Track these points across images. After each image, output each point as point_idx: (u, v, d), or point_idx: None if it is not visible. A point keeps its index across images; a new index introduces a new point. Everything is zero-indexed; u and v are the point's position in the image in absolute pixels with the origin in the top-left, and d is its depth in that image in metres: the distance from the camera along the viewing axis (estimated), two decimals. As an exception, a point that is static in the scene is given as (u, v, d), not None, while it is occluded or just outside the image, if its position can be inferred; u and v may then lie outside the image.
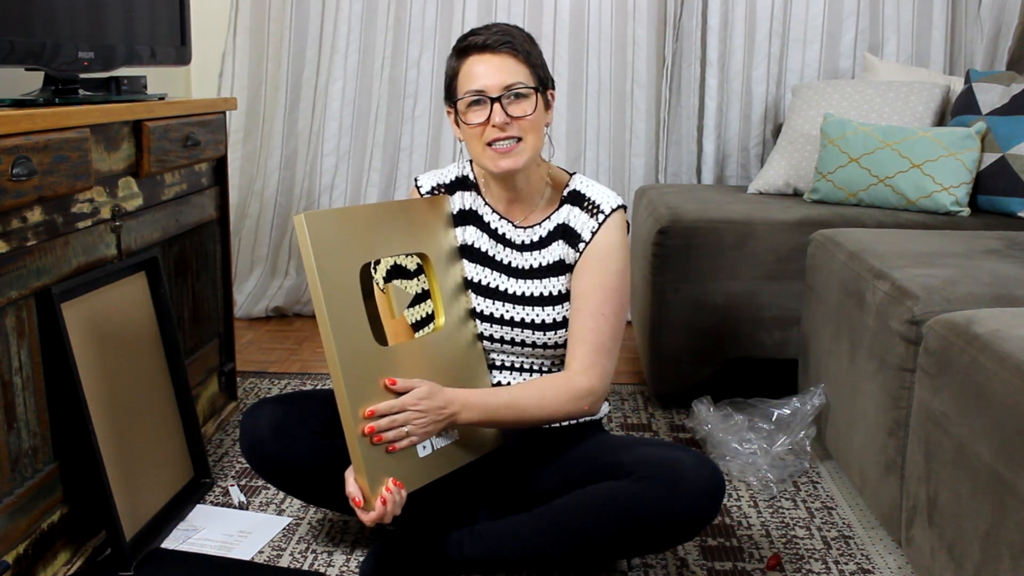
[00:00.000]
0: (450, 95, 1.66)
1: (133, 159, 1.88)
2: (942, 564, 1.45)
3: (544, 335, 1.69)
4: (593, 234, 1.67)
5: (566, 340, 1.69)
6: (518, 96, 1.60)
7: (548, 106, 1.68)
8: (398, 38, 3.33)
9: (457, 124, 1.66)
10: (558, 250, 1.70)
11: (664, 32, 3.27)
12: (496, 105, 1.59)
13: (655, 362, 2.53)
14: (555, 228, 1.71)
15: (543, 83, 1.65)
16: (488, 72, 1.59)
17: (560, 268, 1.70)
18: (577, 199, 1.71)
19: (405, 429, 1.51)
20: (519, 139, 1.61)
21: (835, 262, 2.06)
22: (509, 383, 1.73)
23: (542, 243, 1.72)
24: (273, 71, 3.37)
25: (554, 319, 1.68)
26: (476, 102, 1.60)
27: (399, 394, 1.52)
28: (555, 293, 1.69)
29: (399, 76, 3.35)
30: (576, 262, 1.68)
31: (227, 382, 2.45)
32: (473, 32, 1.64)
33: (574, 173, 1.76)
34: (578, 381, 1.63)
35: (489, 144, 1.61)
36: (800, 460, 2.11)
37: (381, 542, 1.67)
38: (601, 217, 1.67)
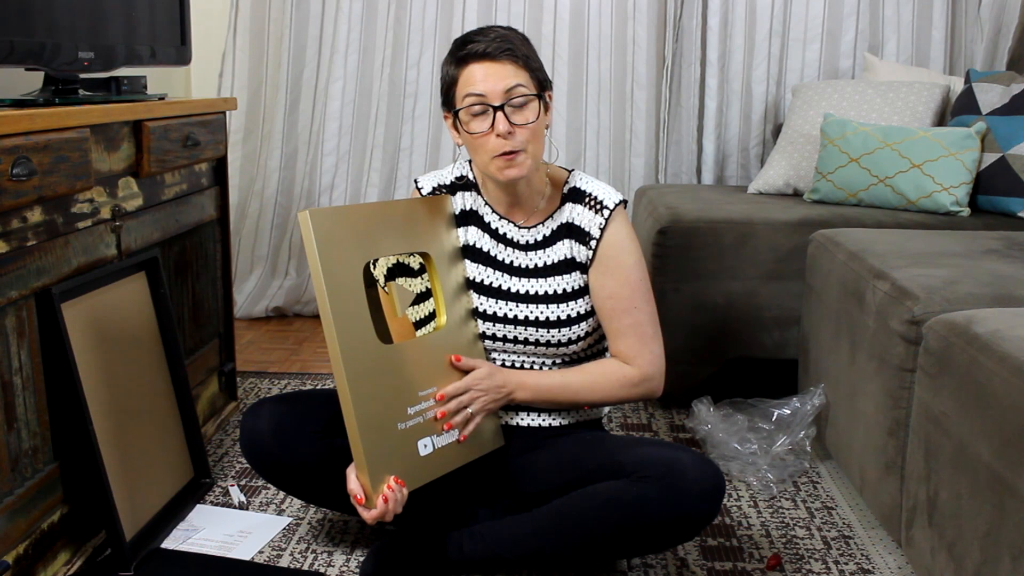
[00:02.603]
0: (448, 102, 1.65)
1: (133, 159, 1.88)
2: (942, 564, 1.45)
3: (549, 332, 1.69)
4: (602, 230, 1.67)
5: (571, 338, 1.70)
6: (520, 104, 1.59)
7: (547, 108, 1.68)
8: (398, 38, 3.33)
9: (456, 129, 1.66)
10: (564, 248, 1.70)
11: (664, 32, 3.27)
12: (499, 114, 1.58)
13: (655, 362, 2.52)
14: (559, 227, 1.71)
15: (542, 86, 1.64)
16: (489, 79, 1.58)
17: (569, 266, 1.70)
18: (578, 196, 1.71)
19: (470, 409, 1.62)
20: (523, 149, 1.60)
21: (835, 262, 2.06)
22: (509, 383, 1.73)
23: (547, 242, 1.72)
24: (273, 71, 3.37)
25: (559, 317, 1.69)
26: (479, 111, 1.59)
27: (461, 372, 1.65)
28: (563, 291, 1.69)
29: (399, 76, 3.35)
30: (589, 260, 1.68)
31: (227, 382, 2.45)
32: (471, 39, 1.61)
33: (572, 170, 1.76)
34: (628, 369, 1.70)
35: (495, 156, 1.60)
36: (800, 460, 2.11)
37: (381, 542, 1.67)
38: (607, 212, 1.68)
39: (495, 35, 1.60)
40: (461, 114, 1.61)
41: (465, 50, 1.60)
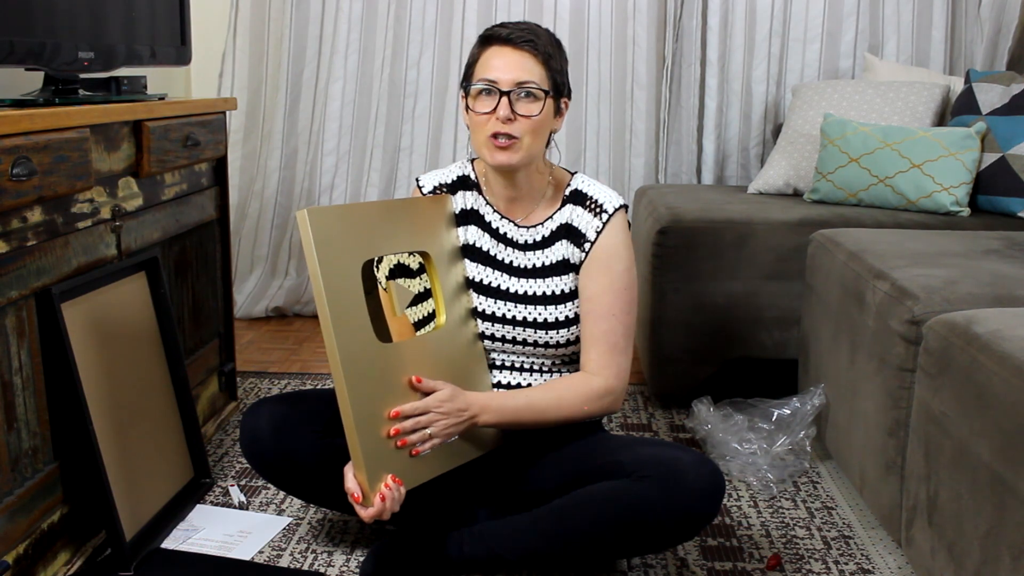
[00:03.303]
0: (466, 80, 1.67)
1: (133, 159, 1.88)
2: (942, 564, 1.45)
3: (547, 334, 1.69)
4: (598, 233, 1.67)
5: (569, 339, 1.70)
6: (528, 95, 1.60)
7: (559, 113, 1.68)
8: (398, 38, 3.33)
9: (467, 109, 1.67)
10: (562, 249, 1.70)
11: (664, 32, 3.27)
12: (504, 99, 1.59)
13: (655, 362, 2.53)
14: (558, 227, 1.71)
15: (558, 89, 1.65)
16: (504, 65, 1.60)
17: (564, 267, 1.70)
18: (579, 198, 1.71)
19: (428, 431, 1.55)
20: (518, 138, 1.61)
21: (835, 262, 2.06)
22: (509, 383, 1.73)
23: (545, 242, 1.72)
24: (273, 71, 3.37)
25: (556, 318, 1.69)
26: (486, 91, 1.61)
27: (423, 393, 1.57)
28: (559, 292, 1.69)
29: (399, 76, 3.35)
30: (582, 262, 1.68)
31: (227, 382, 2.45)
32: (501, 24, 1.65)
33: (575, 172, 1.76)
34: (595, 382, 1.66)
35: (490, 136, 1.61)
36: (800, 460, 2.11)
37: (381, 542, 1.67)
38: (605, 216, 1.68)
39: (524, 26, 1.64)
40: (471, 91, 1.63)
41: (491, 31, 1.64)
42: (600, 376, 1.67)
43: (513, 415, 1.63)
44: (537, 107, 1.61)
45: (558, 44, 1.67)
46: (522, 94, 1.60)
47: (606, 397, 1.67)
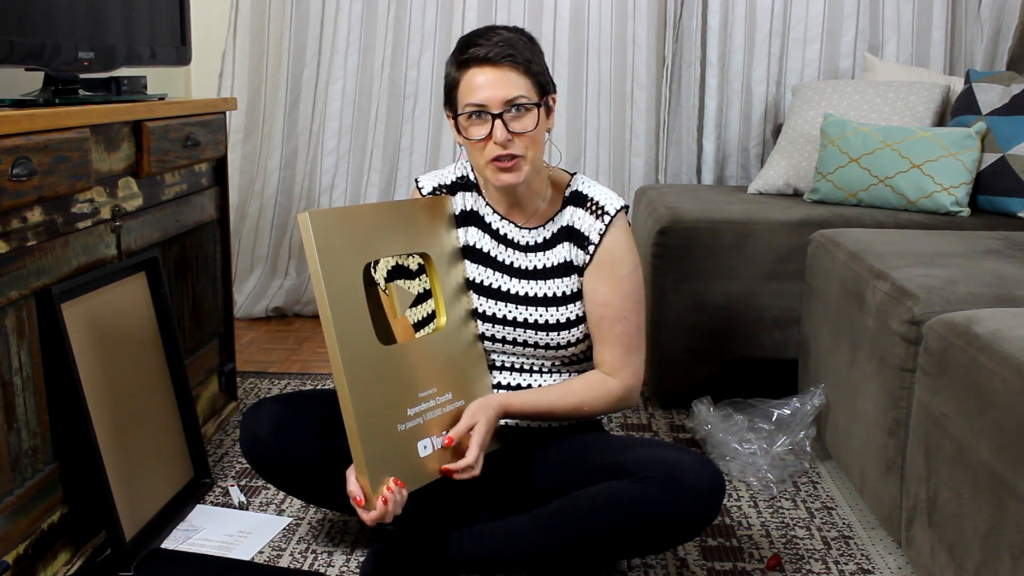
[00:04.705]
0: (450, 103, 1.64)
1: (133, 159, 1.88)
2: (942, 564, 1.45)
3: (548, 335, 1.69)
4: (601, 236, 1.67)
5: (570, 341, 1.70)
6: (520, 109, 1.58)
7: (549, 112, 1.66)
8: (398, 38, 3.33)
9: (458, 130, 1.65)
10: (564, 251, 1.70)
11: (664, 32, 3.27)
12: (498, 122, 1.57)
13: (655, 362, 2.53)
14: (560, 230, 1.71)
15: (544, 91, 1.63)
16: (489, 86, 1.56)
17: (567, 269, 1.70)
18: (580, 200, 1.71)
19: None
20: (520, 155, 1.60)
21: (835, 262, 2.06)
22: (509, 384, 1.73)
23: (547, 244, 1.72)
24: (273, 71, 3.37)
25: (557, 320, 1.69)
26: (477, 116, 1.58)
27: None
28: (561, 294, 1.69)
29: (399, 76, 3.35)
30: (586, 264, 1.68)
31: (227, 382, 2.45)
32: (473, 42, 1.59)
33: (575, 173, 1.76)
34: (612, 383, 1.69)
35: (491, 160, 1.60)
36: (800, 460, 2.11)
37: (381, 542, 1.67)
38: (607, 219, 1.67)
39: (498, 39, 1.58)
40: (460, 119, 1.61)
41: (467, 54, 1.58)
42: (617, 377, 1.69)
43: (534, 416, 1.69)
44: (532, 119, 1.59)
45: (531, 41, 1.63)
46: (513, 111, 1.57)
47: (625, 397, 1.70)
